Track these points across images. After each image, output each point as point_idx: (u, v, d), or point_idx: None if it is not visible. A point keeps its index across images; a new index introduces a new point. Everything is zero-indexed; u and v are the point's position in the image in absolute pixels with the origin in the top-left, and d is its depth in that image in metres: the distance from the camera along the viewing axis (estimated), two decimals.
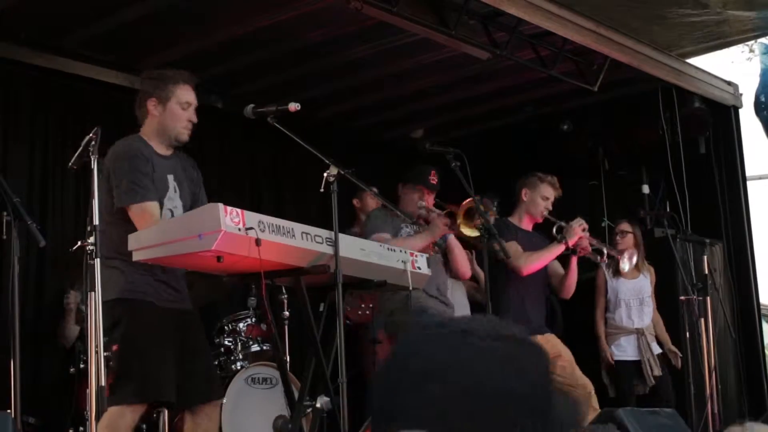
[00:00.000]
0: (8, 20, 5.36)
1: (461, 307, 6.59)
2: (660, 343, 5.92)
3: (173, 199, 3.76)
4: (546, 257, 5.18)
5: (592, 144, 7.39)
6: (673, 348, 5.89)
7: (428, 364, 1.00)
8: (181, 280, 3.77)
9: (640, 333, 5.83)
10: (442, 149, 4.57)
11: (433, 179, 5.02)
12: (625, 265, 5.41)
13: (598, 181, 7.35)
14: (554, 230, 5.30)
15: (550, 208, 5.37)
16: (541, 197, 5.35)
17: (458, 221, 4.89)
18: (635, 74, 6.52)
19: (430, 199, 5.00)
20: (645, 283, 5.99)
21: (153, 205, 3.61)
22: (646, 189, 7.25)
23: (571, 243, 5.17)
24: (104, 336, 4.00)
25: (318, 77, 6.49)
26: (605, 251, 5.36)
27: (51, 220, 5.81)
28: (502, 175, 7.20)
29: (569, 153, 7.32)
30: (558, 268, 5.39)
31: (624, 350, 5.87)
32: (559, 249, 5.17)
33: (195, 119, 3.81)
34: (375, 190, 4.43)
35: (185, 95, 3.79)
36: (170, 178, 3.77)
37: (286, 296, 5.54)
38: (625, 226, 6.03)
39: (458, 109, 7.41)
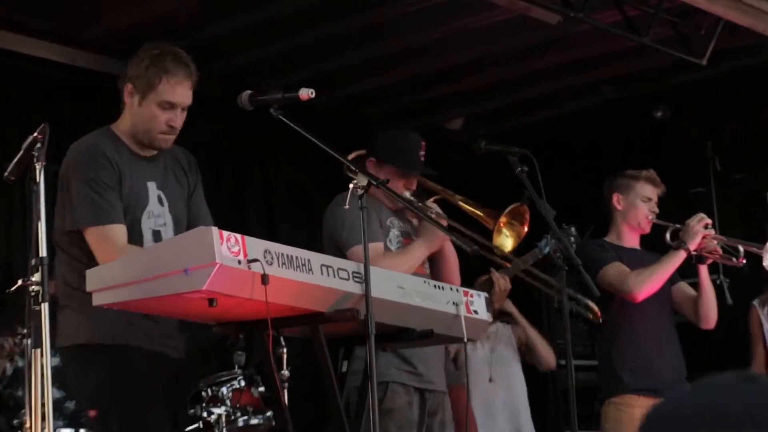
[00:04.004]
0: None
1: (508, 344, 6.62)
2: None
3: (159, 215, 3.83)
4: (663, 271, 5.20)
5: (697, 137, 7.41)
6: None
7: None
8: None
9: None
10: (503, 149, 4.59)
11: (423, 154, 4.89)
12: None
13: (705, 187, 7.37)
14: (668, 236, 5.32)
15: (657, 210, 5.39)
16: (640, 199, 5.38)
17: (497, 226, 4.78)
18: (758, 41, 6.56)
19: (414, 185, 4.89)
20: None
21: (117, 229, 3.66)
22: None
23: (693, 247, 5.18)
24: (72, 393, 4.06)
25: (322, 48, 6.55)
26: (741, 249, 5.35)
27: None
28: (572, 180, 7.27)
29: (666, 150, 7.35)
30: (686, 289, 5.43)
31: None
32: (678, 257, 5.18)
33: (178, 123, 3.83)
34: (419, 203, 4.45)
35: (169, 92, 3.79)
36: (151, 186, 3.84)
37: (285, 349, 5.56)
38: None
39: (513, 90, 7.46)
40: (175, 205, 3.88)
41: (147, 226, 3.79)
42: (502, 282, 5.58)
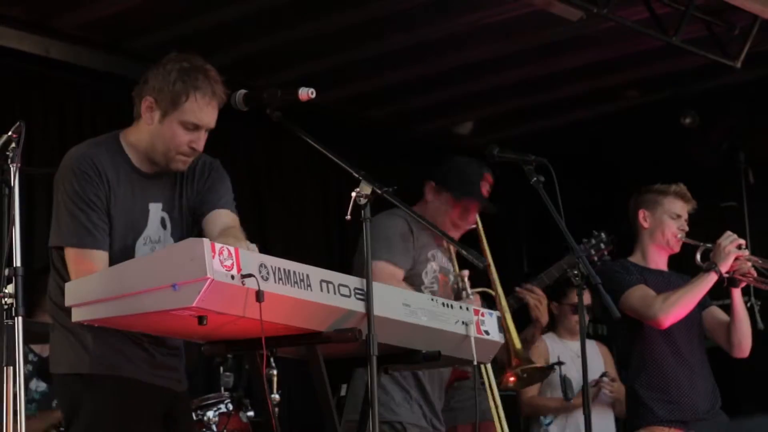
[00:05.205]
0: None
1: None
2: None
3: (159, 239, 3.80)
4: (692, 296, 5.23)
5: (729, 146, 7.44)
6: None
7: None
8: (178, 344, 3.85)
9: None
10: (518, 157, 4.62)
11: (486, 186, 5.02)
12: None
13: (737, 201, 7.40)
14: (698, 257, 5.35)
15: (686, 228, 5.41)
16: (669, 216, 5.40)
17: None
18: None
19: (473, 217, 5.04)
20: None
21: (97, 256, 3.65)
22: None
23: (724, 269, 5.22)
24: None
25: (319, 45, 6.58)
26: None
27: None
28: (592, 192, 7.31)
29: (694, 159, 7.38)
30: (717, 314, 5.47)
31: None
32: (708, 280, 5.21)
33: (200, 146, 3.78)
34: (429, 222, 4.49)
35: (195, 112, 3.72)
36: (155, 207, 3.81)
37: (275, 370, 5.63)
38: None
39: (528, 93, 7.50)
40: (180, 228, 3.84)
41: (141, 253, 3.74)
42: (532, 297, 5.65)
